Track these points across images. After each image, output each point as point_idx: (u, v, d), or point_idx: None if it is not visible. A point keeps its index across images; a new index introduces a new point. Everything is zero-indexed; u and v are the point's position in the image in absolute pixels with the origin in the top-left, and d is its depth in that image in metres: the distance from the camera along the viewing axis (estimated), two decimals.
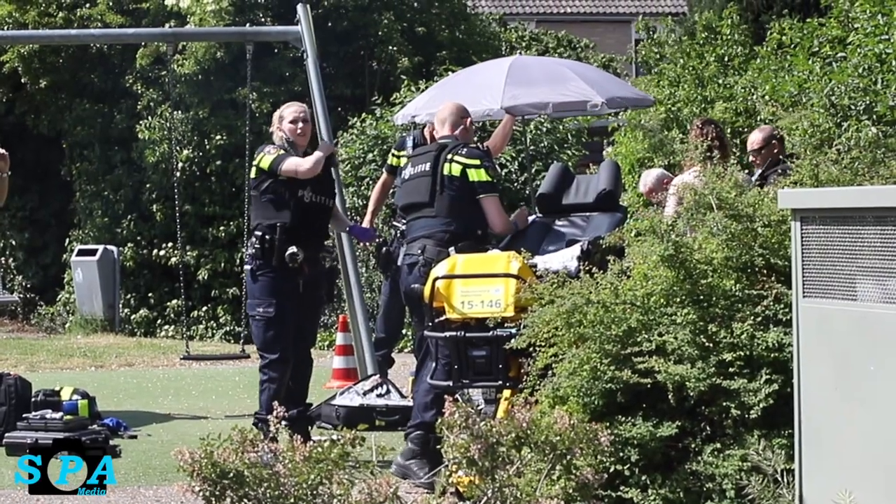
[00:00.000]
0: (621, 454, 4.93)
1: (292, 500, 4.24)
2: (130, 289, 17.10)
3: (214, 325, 16.38)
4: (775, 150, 8.27)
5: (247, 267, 7.54)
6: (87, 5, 17.25)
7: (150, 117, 16.58)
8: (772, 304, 5.07)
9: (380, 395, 7.60)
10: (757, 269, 5.22)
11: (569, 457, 4.60)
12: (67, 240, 18.03)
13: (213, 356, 12.72)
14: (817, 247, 4.35)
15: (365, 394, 7.62)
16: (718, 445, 4.92)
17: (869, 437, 4.14)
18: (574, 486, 4.60)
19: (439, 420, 4.59)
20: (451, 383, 6.18)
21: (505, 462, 4.52)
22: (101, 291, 16.52)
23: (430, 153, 7.08)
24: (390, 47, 16.87)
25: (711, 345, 5.03)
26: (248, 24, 14.53)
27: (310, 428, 7.51)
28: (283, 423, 4.54)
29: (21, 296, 18.38)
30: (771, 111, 8.06)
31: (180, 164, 15.96)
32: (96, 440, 7.76)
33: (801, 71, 9.21)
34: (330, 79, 15.03)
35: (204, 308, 16.46)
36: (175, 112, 15.49)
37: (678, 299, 5.22)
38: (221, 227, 16.44)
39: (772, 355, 4.92)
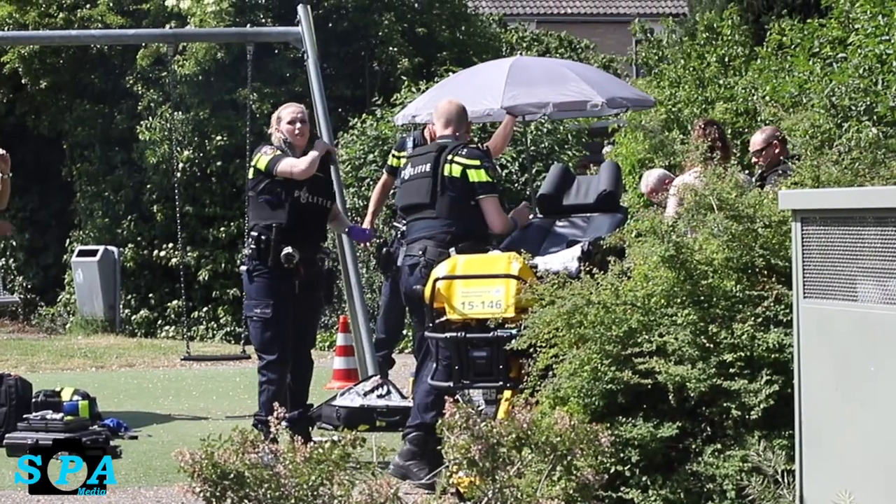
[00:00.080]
0: (622, 455, 4.93)
1: (293, 501, 4.25)
2: (131, 289, 17.11)
3: (215, 325, 16.38)
4: (776, 151, 8.27)
5: (243, 268, 7.54)
6: (88, 6, 17.25)
7: (150, 118, 16.58)
8: (772, 304, 5.08)
9: (380, 396, 7.60)
10: (757, 269, 5.22)
11: (569, 457, 4.60)
12: (68, 240, 18.04)
13: (213, 357, 12.74)
14: (818, 247, 4.35)
15: (365, 394, 7.62)
16: (719, 446, 4.92)
17: (869, 438, 4.14)
18: (574, 487, 4.60)
19: (440, 421, 4.59)
20: (451, 384, 6.18)
21: (505, 463, 4.52)
22: (101, 292, 16.52)
23: (430, 154, 7.07)
24: (391, 48, 16.87)
25: (712, 345, 5.03)
26: (248, 25, 14.52)
27: (310, 429, 7.51)
28: (284, 423, 4.54)
29: (22, 296, 18.37)
30: (771, 112, 8.07)
31: (181, 165, 15.96)
32: (97, 441, 7.76)
33: (801, 72, 9.23)
34: (330, 79, 15.03)
35: (204, 309, 16.46)
36: (175, 113, 15.48)
37: (679, 300, 5.23)
38: (222, 228, 16.45)
39: (772, 356, 4.93)
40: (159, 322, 16.86)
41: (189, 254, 16.18)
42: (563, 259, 6.38)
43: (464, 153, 6.93)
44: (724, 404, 4.93)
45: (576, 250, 6.40)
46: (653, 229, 5.38)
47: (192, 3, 16.25)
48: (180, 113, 16.17)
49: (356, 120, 15.11)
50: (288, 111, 7.58)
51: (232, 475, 4.22)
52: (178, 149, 15.74)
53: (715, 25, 14.16)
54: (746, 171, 8.67)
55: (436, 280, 6.31)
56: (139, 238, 17.03)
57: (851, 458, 4.22)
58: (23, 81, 17.47)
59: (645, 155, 12.91)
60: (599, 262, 5.84)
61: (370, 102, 15.81)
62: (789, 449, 4.63)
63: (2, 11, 17.31)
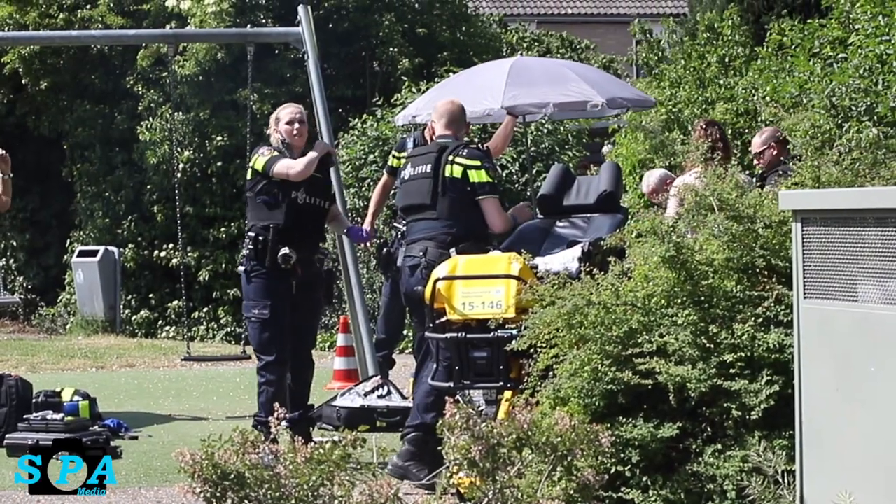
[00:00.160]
0: (622, 455, 4.93)
1: (293, 502, 4.24)
2: (131, 290, 17.10)
3: (215, 326, 16.37)
4: (776, 152, 8.27)
5: (241, 268, 7.54)
6: (88, 7, 17.25)
7: (150, 118, 16.58)
8: (773, 305, 5.08)
9: (381, 397, 7.60)
10: (758, 270, 5.23)
11: (570, 458, 4.60)
12: (68, 241, 18.03)
13: (213, 357, 12.74)
14: (818, 248, 4.35)
15: (366, 395, 7.62)
16: (719, 446, 4.92)
17: (870, 439, 4.14)
18: (575, 488, 4.60)
19: (440, 421, 4.59)
20: (451, 384, 6.18)
21: (506, 463, 4.52)
22: (101, 292, 16.52)
23: (431, 154, 7.06)
24: (391, 48, 16.86)
25: (712, 346, 5.03)
26: (248, 26, 14.52)
27: (311, 429, 7.51)
28: (284, 424, 4.54)
29: (22, 297, 18.36)
30: (772, 112, 8.07)
31: (181, 166, 15.95)
32: (97, 441, 7.76)
33: (801, 72, 9.22)
34: (331, 80, 15.03)
35: (205, 309, 16.46)
36: (176, 113, 15.47)
37: (679, 300, 5.23)
38: (222, 229, 16.44)
39: (773, 356, 4.93)
40: (160, 322, 16.86)
41: (189, 254, 16.18)
42: (564, 259, 6.37)
43: (464, 153, 6.93)
44: (725, 405, 4.93)
45: (576, 251, 6.40)
46: (653, 230, 5.38)
47: (193, 3, 16.25)
48: (181, 113, 16.17)
49: (356, 120, 15.11)
50: (286, 112, 7.58)
51: (232, 476, 4.22)
52: (179, 149, 15.74)
53: (715, 26, 14.16)
54: (747, 172, 8.68)
55: (436, 280, 6.31)
56: (139, 238, 17.03)
57: (852, 459, 4.22)
58: (23, 82, 17.47)
59: (645, 155, 12.91)
60: (600, 263, 5.84)
61: (370, 103, 15.81)
62: (790, 449, 4.63)
63: (2, 12, 17.31)
